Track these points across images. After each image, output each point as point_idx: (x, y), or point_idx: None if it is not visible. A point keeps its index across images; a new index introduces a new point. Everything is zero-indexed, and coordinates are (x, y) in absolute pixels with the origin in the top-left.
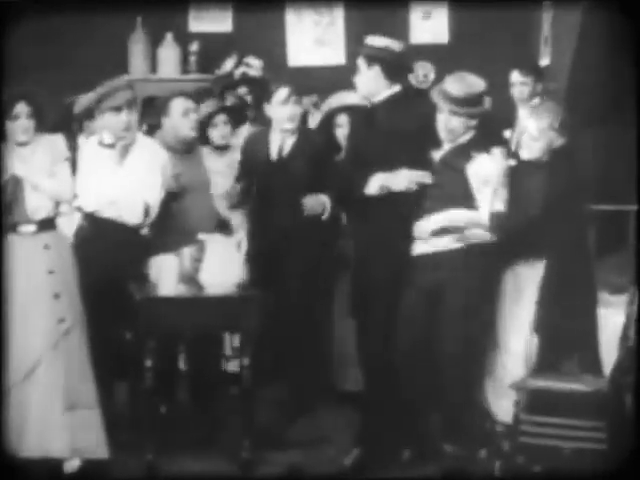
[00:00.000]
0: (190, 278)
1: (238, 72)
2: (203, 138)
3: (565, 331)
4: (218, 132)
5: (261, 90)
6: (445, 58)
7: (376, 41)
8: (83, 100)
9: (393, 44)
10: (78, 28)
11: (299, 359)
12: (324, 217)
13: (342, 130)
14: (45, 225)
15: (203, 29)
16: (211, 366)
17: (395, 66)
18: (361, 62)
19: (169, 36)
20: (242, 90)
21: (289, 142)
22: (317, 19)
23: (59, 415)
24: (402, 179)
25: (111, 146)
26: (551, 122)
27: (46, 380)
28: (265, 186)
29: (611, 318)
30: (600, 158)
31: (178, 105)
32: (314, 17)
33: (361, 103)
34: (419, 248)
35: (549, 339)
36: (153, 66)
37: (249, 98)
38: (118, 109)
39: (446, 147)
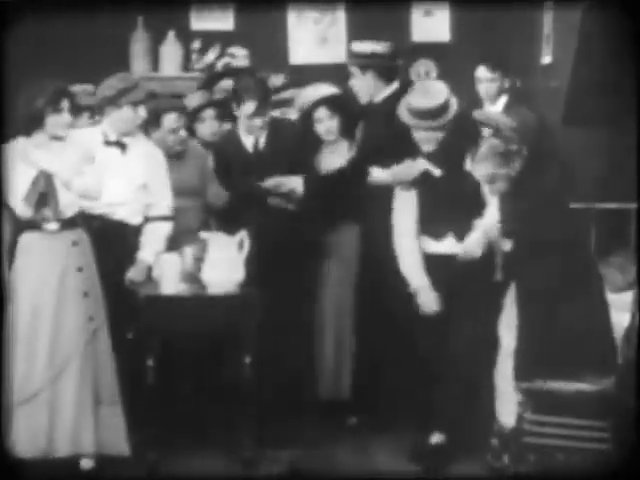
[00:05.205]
0: (192, 277)
1: (220, 63)
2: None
3: (554, 329)
4: (207, 128)
5: (252, 81)
6: (447, 56)
7: (362, 47)
8: (102, 89)
9: (379, 47)
10: (79, 27)
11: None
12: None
13: (322, 124)
14: (71, 222)
15: (205, 27)
16: (212, 365)
17: (387, 67)
18: (355, 70)
19: (171, 34)
20: (226, 83)
21: (262, 135)
22: (318, 17)
23: (90, 412)
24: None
25: (116, 144)
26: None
27: (78, 379)
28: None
29: (613, 317)
30: (601, 156)
31: (169, 121)
32: (315, 15)
33: (337, 93)
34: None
35: (538, 340)
36: (155, 64)
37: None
38: (136, 104)
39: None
